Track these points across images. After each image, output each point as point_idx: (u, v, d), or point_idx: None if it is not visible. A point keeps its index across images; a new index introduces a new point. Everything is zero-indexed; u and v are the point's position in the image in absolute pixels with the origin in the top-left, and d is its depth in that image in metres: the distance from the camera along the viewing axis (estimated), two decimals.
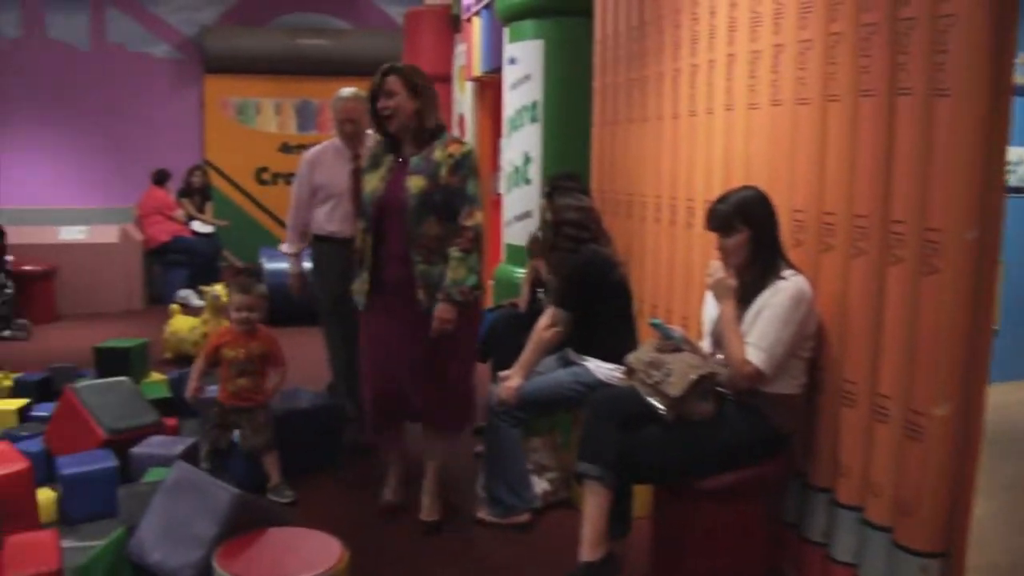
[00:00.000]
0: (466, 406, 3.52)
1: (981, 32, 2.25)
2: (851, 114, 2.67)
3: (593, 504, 2.79)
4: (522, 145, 5.17)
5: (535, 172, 5.10)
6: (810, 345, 2.78)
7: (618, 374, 3.16)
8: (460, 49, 8.13)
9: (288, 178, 10.78)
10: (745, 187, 2.89)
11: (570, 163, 4.89)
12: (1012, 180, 5.03)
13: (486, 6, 6.72)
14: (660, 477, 2.89)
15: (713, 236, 2.88)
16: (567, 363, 3.51)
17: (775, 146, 3.05)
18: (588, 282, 3.39)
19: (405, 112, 3.24)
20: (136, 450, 3.59)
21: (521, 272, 5.16)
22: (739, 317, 2.78)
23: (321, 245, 4.35)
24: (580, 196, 3.69)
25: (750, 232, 2.76)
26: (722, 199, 2.84)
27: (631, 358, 2.93)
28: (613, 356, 3.27)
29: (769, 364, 2.69)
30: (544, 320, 3.45)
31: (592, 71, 4.74)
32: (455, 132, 8.49)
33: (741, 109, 3.25)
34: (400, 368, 3.36)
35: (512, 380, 3.40)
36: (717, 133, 3.44)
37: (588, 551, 2.81)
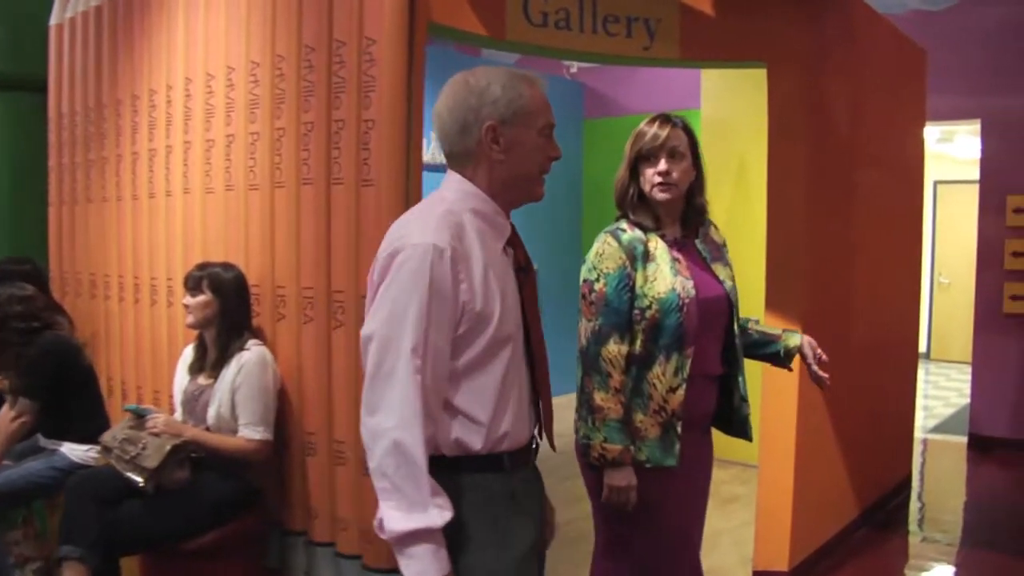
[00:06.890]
0: None
1: (396, 131, 2.77)
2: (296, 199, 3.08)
3: None
4: None
5: None
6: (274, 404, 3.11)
7: (93, 454, 3.22)
8: None
9: None
10: (226, 263, 3.16)
11: (24, 242, 4.73)
12: None
13: None
14: (146, 546, 3.01)
15: (180, 313, 3.08)
16: (38, 451, 3.41)
17: (229, 227, 3.36)
18: (51, 370, 3.31)
19: (683, 185, 2.35)
20: None
21: None
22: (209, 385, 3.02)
23: (473, 480, 1.65)
24: (22, 285, 3.50)
25: (215, 298, 3.03)
26: (201, 266, 3.12)
27: (106, 437, 3.02)
28: (87, 438, 3.28)
29: (270, 431, 3.00)
30: (8, 412, 3.30)
31: (47, 149, 4.63)
32: None
33: (198, 192, 3.49)
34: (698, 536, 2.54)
35: None
36: (176, 215, 3.63)
37: None
